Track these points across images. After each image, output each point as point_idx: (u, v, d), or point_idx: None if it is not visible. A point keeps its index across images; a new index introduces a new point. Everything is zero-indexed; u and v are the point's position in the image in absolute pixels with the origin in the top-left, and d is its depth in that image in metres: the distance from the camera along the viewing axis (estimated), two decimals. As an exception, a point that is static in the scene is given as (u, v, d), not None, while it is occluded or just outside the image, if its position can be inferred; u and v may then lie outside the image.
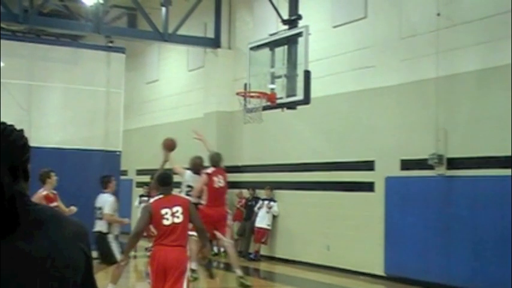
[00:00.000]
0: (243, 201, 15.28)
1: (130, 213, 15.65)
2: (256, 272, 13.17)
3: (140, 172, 20.46)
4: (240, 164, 15.95)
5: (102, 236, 9.22)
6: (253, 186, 15.04)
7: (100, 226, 9.31)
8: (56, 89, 15.89)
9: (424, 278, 10.76)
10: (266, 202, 14.42)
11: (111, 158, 15.02)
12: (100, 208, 9.40)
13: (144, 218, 6.36)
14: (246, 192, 15.35)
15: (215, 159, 9.94)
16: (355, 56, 12.55)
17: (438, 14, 10.77)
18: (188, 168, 10.23)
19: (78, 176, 13.42)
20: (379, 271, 11.71)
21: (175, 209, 6.22)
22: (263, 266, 13.99)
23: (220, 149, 16.36)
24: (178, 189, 9.67)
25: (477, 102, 10.26)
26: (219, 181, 9.77)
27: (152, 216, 6.24)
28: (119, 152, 15.27)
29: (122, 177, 16.63)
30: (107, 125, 15.25)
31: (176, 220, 6.20)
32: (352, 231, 12.38)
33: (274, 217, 14.47)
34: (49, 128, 15.19)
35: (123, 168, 16.47)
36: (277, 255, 14.37)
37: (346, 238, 12.54)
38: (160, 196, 6.41)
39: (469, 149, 10.27)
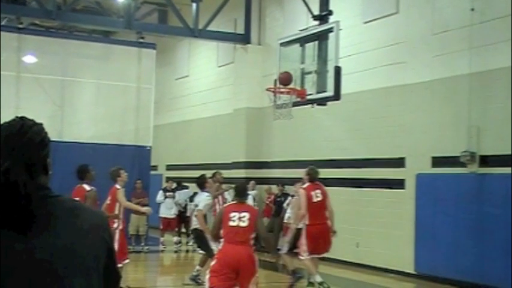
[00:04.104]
0: (272, 197, 15.27)
1: (158, 207, 15.76)
2: (285, 267, 13.17)
3: (170, 167, 20.61)
4: (269, 160, 15.96)
5: (197, 232, 9.66)
6: (282, 182, 15.02)
7: (196, 224, 9.75)
8: (87, 85, 16.10)
9: (455, 276, 10.63)
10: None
11: (142, 153, 15.15)
12: (197, 205, 9.78)
13: (216, 220, 7.11)
14: (275, 188, 15.34)
15: (312, 175, 9.77)
16: (386, 51, 12.43)
17: (472, 9, 10.60)
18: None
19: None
20: (410, 269, 11.60)
21: (243, 214, 6.70)
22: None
23: (250, 144, 16.44)
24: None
25: (511, 98, 10.07)
26: (316, 195, 9.60)
27: (222, 217, 6.80)
28: (149, 147, 15.39)
29: (152, 172, 16.76)
30: (137, 120, 15.39)
31: (242, 224, 6.64)
32: (382, 229, 12.29)
33: (304, 213, 14.42)
34: (81, 123, 15.41)
35: (153, 163, 16.59)
36: (306, 252, 14.32)
37: (375, 235, 12.45)
38: (234, 202, 7.02)
39: (502, 147, 10.09)
